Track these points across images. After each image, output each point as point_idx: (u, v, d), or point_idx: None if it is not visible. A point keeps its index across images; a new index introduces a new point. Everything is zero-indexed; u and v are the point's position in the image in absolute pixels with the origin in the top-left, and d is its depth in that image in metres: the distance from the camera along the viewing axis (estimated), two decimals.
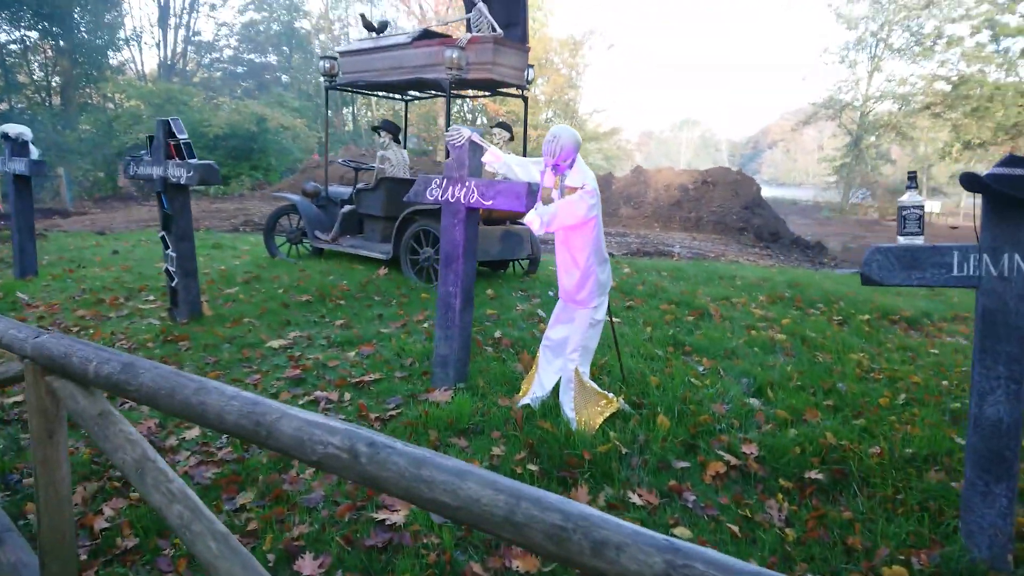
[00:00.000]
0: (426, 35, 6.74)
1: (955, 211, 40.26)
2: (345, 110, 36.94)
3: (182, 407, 1.79)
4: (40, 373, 2.27)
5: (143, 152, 5.38)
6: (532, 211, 3.46)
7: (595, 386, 3.71)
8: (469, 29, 6.49)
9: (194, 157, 5.03)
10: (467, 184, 3.84)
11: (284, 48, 36.90)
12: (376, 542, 2.56)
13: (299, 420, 1.68)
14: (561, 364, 3.78)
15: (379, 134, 7.54)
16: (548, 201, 3.51)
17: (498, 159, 3.86)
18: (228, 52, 37.06)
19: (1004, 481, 2.47)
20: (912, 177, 2.75)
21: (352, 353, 4.63)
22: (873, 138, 41.21)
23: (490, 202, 3.76)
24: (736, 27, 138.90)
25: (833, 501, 3.03)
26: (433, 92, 7.74)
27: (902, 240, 2.73)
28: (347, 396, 3.97)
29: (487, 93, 7.18)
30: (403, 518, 2.70)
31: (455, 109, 44.98)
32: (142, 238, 10.52)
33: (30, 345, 2.22)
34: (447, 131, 3.91)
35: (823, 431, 3.49)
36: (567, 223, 3.41)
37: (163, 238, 5.31)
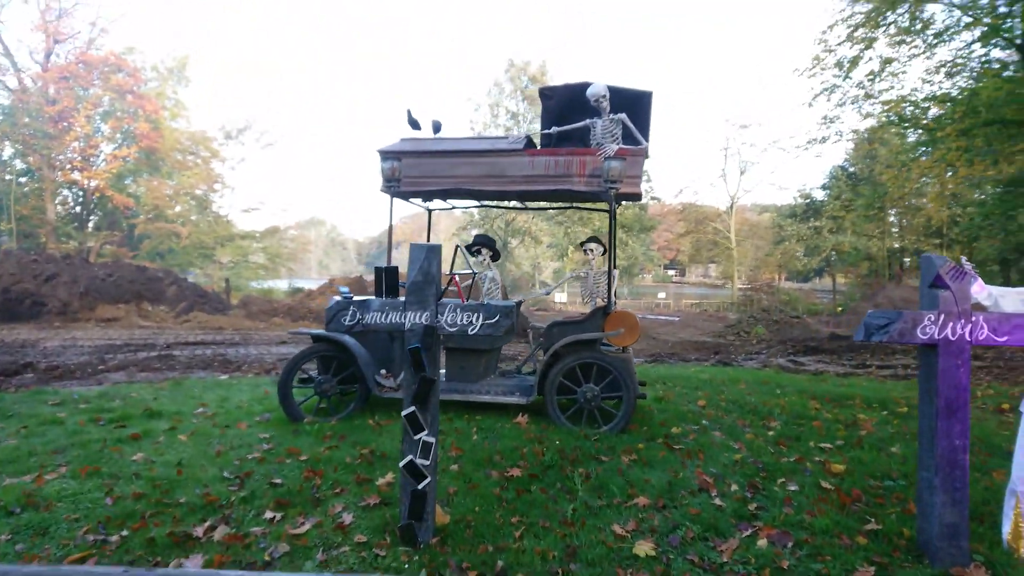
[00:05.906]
0: (530, 143, 5.76)
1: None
2: None
3: None
4: None
5: None
6: None
7: None
8: (584, 139, 5.78)
9: None
10: (974, 319, 3.49)
11: None
12: None
13: None
14: None
15: (478, 252, 5.96)
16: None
17: (984, 289, 3.62)
18: None
19: None
20: None
21: (742, 536, 3.57)
22: (516, 241, 47.31)
23: (1004, 338, 3.47)
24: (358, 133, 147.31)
25: None
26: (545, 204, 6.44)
27: None
28: None
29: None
30: None
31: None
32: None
33: None
34: (944, 263, 3.51)
35: None
36: None
37: (412, 415, 3.35)
